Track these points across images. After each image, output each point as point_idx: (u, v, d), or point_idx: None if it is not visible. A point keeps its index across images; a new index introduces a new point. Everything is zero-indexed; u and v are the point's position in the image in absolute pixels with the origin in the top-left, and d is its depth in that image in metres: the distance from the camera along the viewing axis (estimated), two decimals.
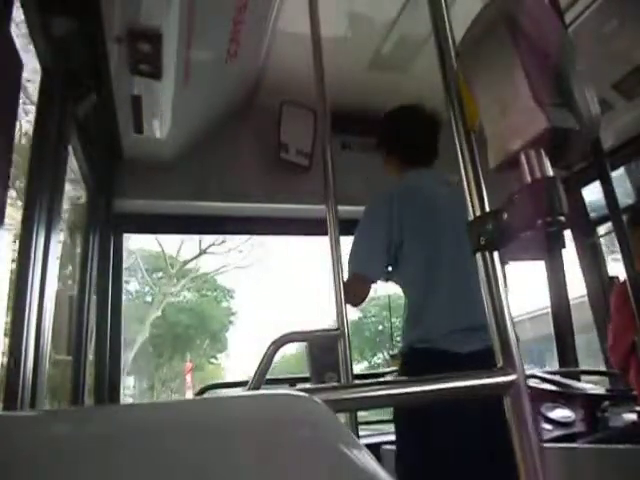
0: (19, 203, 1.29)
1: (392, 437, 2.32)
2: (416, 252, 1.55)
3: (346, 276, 1.44)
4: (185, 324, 15.62)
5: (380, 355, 16.66)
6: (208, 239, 14.90)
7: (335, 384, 1.44)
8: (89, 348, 1.90)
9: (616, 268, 2.51)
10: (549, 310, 2.82)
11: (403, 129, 1.74)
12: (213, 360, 17.05)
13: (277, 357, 1.26)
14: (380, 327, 16.46)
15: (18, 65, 1.00)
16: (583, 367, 2.73)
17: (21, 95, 1.04)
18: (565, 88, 0.57)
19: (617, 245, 1.13)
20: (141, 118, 1.83)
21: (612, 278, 2.52)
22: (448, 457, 1.34)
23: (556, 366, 2.70)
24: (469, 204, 0.64)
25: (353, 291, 1.51)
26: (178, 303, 16.13)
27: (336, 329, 1.22)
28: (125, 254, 2.39)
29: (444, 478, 1.34)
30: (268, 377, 1.26)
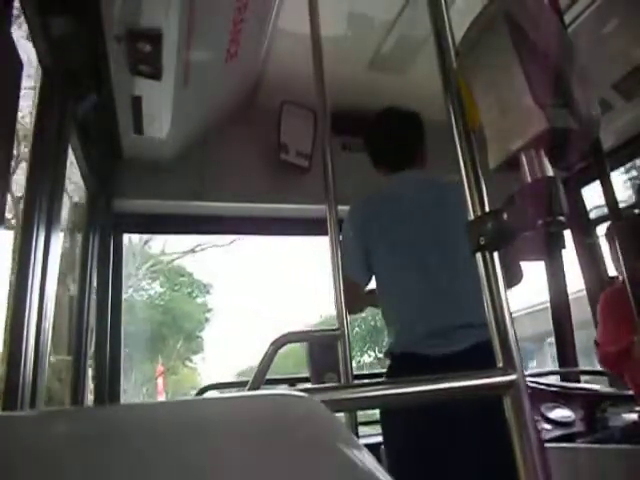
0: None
1: None
2: (384, 258, 1.56)
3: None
4: (156, 321, 14.17)
5: (371, 353, 16.09)
6: None
7: (335, 384, 1.44)
8: (89, 348, 1.90)
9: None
10: (535, 308, 2.82)
11: (374, 137, 1.76)
12: (188, 363, 15.61)
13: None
14: (373, 323, 15.84)
15: (18, 65, 1.00)
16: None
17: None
18: (565, 88, 0.57)
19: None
20: (141, 118, 1.83)
21: (612, 278, 2.52)
22: (418, 457, 1.34)
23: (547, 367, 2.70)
24: (469, 204, 0.64)
25: (345, 297, 1.54)
26: (149, 298, 14.65)
27: (336, 329, 1.22)
28: None
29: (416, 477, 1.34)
30: (268, 377, 1.27)
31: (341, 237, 1.60)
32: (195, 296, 15.56)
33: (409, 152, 1.68)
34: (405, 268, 1.53)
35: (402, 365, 1.47)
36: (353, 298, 1.55)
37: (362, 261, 1.57)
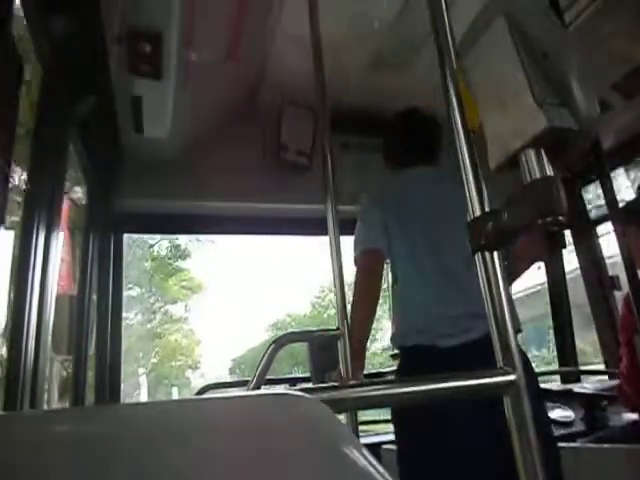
0: None
1: (392, 437, 2.32)
2: (399, 246, 1.57)
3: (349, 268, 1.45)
4: None
5: None
6: None
7: (335, 384, 1.44)
8: (89, 347, 1.90)
9: None
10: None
11: (395, 134, 1.80)
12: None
13: None
14: None
15: (18, 65, 1.00)
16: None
17: None
18: (565, 88, 0.57)
19: None
20: (141, 118, 1.83)
21: (612, 278, 2.52)
22: (448, 456, 1.34)
23: None
24: (469, 204, 0.64)
25: (365, 270, 1.54)
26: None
27: (336, 329, 1.22)
28: None
29: (447, 477, 1.34)
30: (268, 377, 1.27)
31: (357, 224, 1.63)
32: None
33: (430, 148, 1.75)
34: (416, 261, 1.54)
35: (412, 358, 1.48)
36: (374, 270, 1.54)
37: (382, 229, 1.58)
